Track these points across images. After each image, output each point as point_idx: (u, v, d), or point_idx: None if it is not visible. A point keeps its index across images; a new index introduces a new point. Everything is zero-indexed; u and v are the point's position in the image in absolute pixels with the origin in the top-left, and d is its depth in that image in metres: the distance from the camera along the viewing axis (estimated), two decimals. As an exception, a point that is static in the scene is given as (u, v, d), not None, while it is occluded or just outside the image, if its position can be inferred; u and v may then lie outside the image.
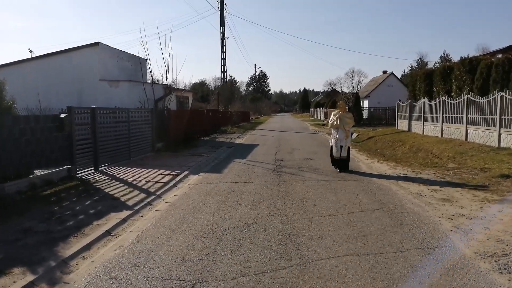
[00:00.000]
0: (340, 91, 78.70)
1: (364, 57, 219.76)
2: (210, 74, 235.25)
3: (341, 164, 10.23)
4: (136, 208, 6.86)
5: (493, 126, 12.66)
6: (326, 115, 51.98)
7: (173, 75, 50.94)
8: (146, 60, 21.99)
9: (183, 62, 56.63)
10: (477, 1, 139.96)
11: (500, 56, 30.41)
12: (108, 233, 5.54)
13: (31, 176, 8.05)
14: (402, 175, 9.68)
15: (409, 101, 21.93)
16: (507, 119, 11.92)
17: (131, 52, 22.09)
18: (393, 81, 51.09)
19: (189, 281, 3.84)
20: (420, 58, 78.09)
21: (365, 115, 38.57)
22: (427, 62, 73.88)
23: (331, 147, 10.50)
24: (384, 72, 56.56)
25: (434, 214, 6.03)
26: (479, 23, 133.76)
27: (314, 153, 14.67)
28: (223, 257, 4.44)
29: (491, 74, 13.97)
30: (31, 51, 72.70)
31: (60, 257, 4.54)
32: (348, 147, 10.30)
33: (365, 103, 45.14)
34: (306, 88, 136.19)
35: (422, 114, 19.30)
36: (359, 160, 12.79)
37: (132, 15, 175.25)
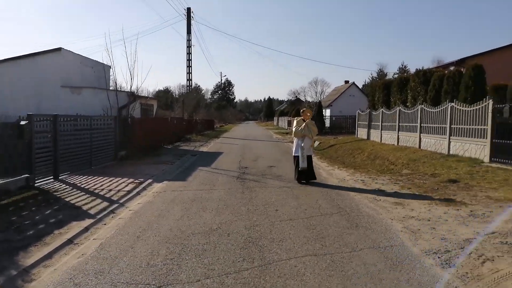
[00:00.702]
0: (304, 100, 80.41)
1: (327, 67, 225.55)
2: (175, 81, 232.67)
3: (309, 174, 9.70)
4: (98, 216, 6.83)
5: (444, 135, 13.53)
6: (290, 124, 53.00)
7: (137, 82, 49.94)
8: (110, 66, 21.64)
9: (149, 70, 56.14)
10: (432, 16, 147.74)
11: (452, 68, 32.39)
12: (70, 241, 5.51)
13: (-13, 185, 7.80)
14: (359, 181, 10.16)
15: (368, 110, 22.87)
16: (456, 127, 12.78)
17: (94, 59, 21.70)
18: (354, 91, 52.88)
19: (154, 284, 3.96)
20: (380, 69, 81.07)
21: (328, 123, 39.71)
22: (386, 73, 76.85)
23: (295, 158, 9.88)
24: (346, 82, 58.47)
25: (387, 217, 6.44)
26: (435, 36, 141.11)
27: (278, 161, 15.01)
28: (187, 261, 4.58)
29: (443, 86, 14.93)
30: (-16, 56, 69.20)
31: (21, 266, 4.51)
32: (311, 156, 9.91)
33: (327, 112, 46.46)
34: (271, 97, 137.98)
35: (380, 123, 20.20)
36: (320, 167, 13.24)
37: (97, 20, 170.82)
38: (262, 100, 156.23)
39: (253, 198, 8.14)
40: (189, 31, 36.80)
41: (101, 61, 21.19)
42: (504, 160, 10.20)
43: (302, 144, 9.64)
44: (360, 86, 61.75)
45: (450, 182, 9.04)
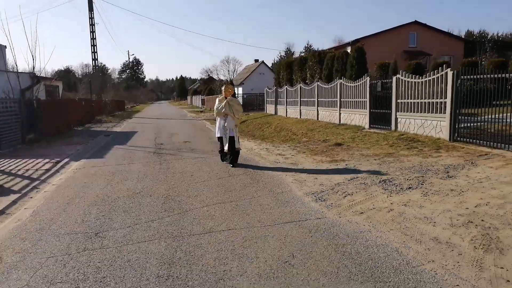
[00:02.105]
0: (217, 78, 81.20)
1: (239, 46, 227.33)
2: (76, 61, 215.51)
3: (233, 156, 9.01)
4: (23, 191, 7.27)
5: (336, 107, 15.69)
6: (204, 102, 53.64)
7: (40, 64, 46.21)
8: (5, 46, 20.24)
9: (52, 50, 51.94)
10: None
11: (349, 47, 35.76)
12: (1, 212, 6.01)
13: None
14: (264, 149, 11.66)
15: (275, 87, 24.72)
16: (345, 101, 14.96)
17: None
18: (264, 69, 55.10)
19: (92, 232, 4.84)
20: (287, 48, 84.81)
21: (240, 101, 41.27)
22: (293, 52, 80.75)
23: (219, 139, 9.19)
24: (256, 60, 60.49)
25: (283, 173, 7.93)
26: (337, 17, 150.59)
27: (193, 137, 15.98)
28: (117, 215, 5.49)
29: (334, 65, 17.08)
30: None
31: (-39, 232, 5.02)
32: (233, 137, 8.98)
33: (239, 90, 48.03)
34: (183, 76, 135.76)
35: (285, 99, 22.14)
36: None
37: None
38: (174, 79, 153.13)
39: (170, 168, 9.11)
40: (91, 9, 35.05)
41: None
42: (378, 126, 12.48)
43: (225, 124, 8.97)
44: (270, 65, 64.42)
45: (336, 145, 10.94)
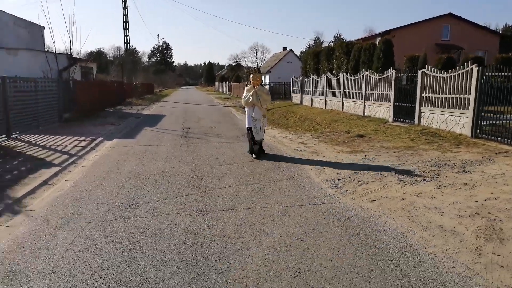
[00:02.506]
0: (245, 65, 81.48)
1: (268, 34, 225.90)
2: (107, 43, 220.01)
3: (259, 148, 8.75)
4: (63, 165, 7.94)
5: (360, 99, 15.78)
6: (231, 89, 54.13)
7: (77, 45, 47.86)
8: (43, 27, 21.27)
9: (88, 33, 53.37)
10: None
11: (379, 39, 35.25)
12: (45, 182, 6.67)
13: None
14: (287, 137, 12.01)
15: (301, 77, 24.86)
16: (369, 93, 15.04)
17: (27, 19, 21.10)
18: (292, 58, 54.97)
19: (126, 203, 5.38)
20: (317, 37, 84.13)
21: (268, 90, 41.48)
22: (322, 41, 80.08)
23: (249, 129, 8.77)
24: (284, 48, 60.27)
25: (303, 161, 8.28)
26: (369, 7, 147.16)
27: (218, 122, 16.47)
28: (148, 190, 6.02)
29: (361, 56, 17.10)
30: None
31: (14, 198, 5.68)
32: (264, 127, 8.81)
33: (266, 78, 48.20)
34: (211, 61, 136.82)
35: (311, 89, 22.28)
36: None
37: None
38: (202, 64, 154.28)
39: (197, 150, 9.61)
40: (125, -8, 35.90)
41: (36, 22, 20.81)
42: (402, 119, 12.57)
43: (253, 115, 8.64)
44: (299, 54, 64.14)
45: (358, 137, 11.16)
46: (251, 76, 9.12)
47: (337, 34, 78.64)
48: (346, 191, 6.03)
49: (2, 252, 3.88)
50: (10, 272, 3.47)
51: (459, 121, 9.96)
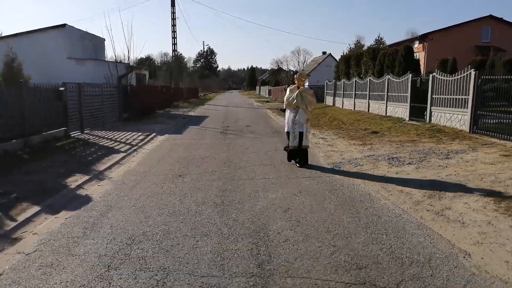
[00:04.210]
0: (287, 69, 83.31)
1: (309, 37, 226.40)
2: (155, 49, 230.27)
3: (301, 155, 8.11)
4: (128, 152, 10.23)
5: (383, 101, 17.17)
6: (270, 93, 56.18)
7: (134, 54, 52.31)
8: (104, 39, 24.39)
9: (143, 45, 57.97)
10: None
11: (417, 42, 35.71)
12: (117, 163, 8.92)
13: (43, 133, 11.04)
14: (311, 134, 13.73)
15: (334, 80, 26.36)
16: (390, 95, 16.42)
17: (89, 31, 24.28)
18: (330, 62, 56.12)
19: (176, 174, 7.45)
20: (357, 40, 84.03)
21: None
22: (363, 45, 79.98)
23: (288, 134, 8.19)
24: (324, 53, 61.60)
25: (317, 151, 10.04)
26: (411, 8, 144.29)
27: (254, 123, 18.47)
28: (192, 168, 8.07)
29: (385, 61, 18.47)
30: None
31: (98, 170, 7.94)
32: (303, 133, 8.00)
33: (305, 82, 49.77)
34: (254, 66, 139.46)
35: (342, 92, 23.77)
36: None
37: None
38: (246, 68, 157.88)
39: (232, 143, 11.63)
40: (173, 4, 38.99)
41: (98, 35, 23.91)
42: (417, 118, 13.92)
43: (296, 117, 7.98)
44: (337, 57, 65.03)
45: (373, 133, 12.69)
46: (296, 76, 8.43)
47: (379, 37, 78.02)
48: (344, 170, 7.75)
49: (100, 197, 6.05)
50: (108, 205, 5.60)
51: (461, 119, 11.26)
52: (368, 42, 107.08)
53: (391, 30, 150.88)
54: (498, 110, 10.30)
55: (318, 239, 4.30)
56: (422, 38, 35.10)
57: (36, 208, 5.47)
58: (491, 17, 36.06)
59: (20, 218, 5.07)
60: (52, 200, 5.92)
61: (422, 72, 21.81)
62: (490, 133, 10.04)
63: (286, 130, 8.36)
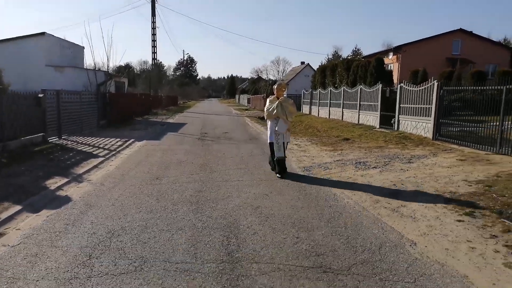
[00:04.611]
0: (266, 78, 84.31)
1: (288, 48, 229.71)
2: (135, 57, 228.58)
3: (281, 165, 7.91)
4: (106, 156, 10.46)
5: (356, 109, 17.91)
6: (250, 101, 56.82)
7: (113, 63, 52.14)
8: (83, 47, 24.45)
9: (123, 53, 57.86)
10: (385, 2, 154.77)
11: (391, 54, 36.93)
12: (96, 166, 9.16)
13: (21, 138, 11.14)
14: (286, 140, 14.26)
15: (311, 90, 27.13)
16: (362, 104, 17.16)
17: (67, 39, 24.29)
18: (309, 72, 57.26)
19: (154, 177, 7.77)
20: (335, 51, 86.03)
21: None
22: (341, 55, 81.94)
23: (271, 144, 8.08)
24: (302, 63, 62.85)
25: (290, 156, 10.51)
26: (387, 21, 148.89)
27: (232, 130, 18.89)
28: (170, 171, 8.41)
29: (358, 72, 19.29)
30: None
31: (76, 174, 8.18)
32: (284, 143, 7.98)
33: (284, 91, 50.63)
34: (234, 75, 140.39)
35: (318, 101, 24.51)
36: (264, 133, 17.25)
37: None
38: (225, 77, 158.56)
39: (209, 149, 12.00)
40: (153, 14, 39.24)
41: (77, 43, 23.95)
42: (386, 126, 14.64)
43: (276, 128, 7.94)
44: (316, 67, 66.45)
45: (344, 140, 13.30)
46: (275, 86, 8.26)
47: (356, 48, 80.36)
48: (313, 173, 8.25)
49: (80, 197, 6.32)
50: (88, 204, 5.89)
51: (425, 127, 12.00)
52: (345, 53, 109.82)
53: (368, 41, 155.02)
54: (463, 119, 11.04)
55: (283, 232, 4.73)
56: (396, 50, 36.47)
57: (17, 207, 5.72)
58: (461, 30, 37.71)
59: (3, 216, 5.31)
60: (33, 199, 6.17)
61: (395, 82, 22.80)
62: (451, 139, 10.76)
63: (269, 141, 8.17)
